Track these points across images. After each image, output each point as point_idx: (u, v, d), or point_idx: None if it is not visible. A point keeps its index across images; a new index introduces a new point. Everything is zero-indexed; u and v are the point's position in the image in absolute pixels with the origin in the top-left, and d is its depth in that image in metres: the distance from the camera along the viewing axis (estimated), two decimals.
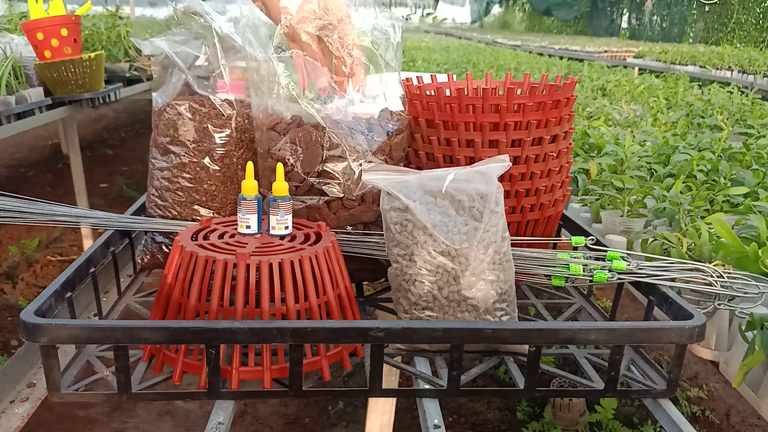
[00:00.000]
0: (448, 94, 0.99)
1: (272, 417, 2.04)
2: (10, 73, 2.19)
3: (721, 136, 1.80)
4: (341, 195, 0.91)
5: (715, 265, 0.85)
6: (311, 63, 0.92)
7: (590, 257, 0.89)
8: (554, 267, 0.87)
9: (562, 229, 1.14)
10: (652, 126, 2.22)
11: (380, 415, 1.39)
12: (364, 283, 1.02)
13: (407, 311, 0.79)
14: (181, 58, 0.99)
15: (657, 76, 4.53)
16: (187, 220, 0.98)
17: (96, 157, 4.93)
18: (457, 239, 0.77)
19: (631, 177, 1.41)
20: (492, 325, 0.75)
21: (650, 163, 1.62)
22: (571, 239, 0.96)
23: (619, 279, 0.85)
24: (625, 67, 6.15)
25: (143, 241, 1.02)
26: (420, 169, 0.92)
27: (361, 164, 0.90)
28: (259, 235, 0.82)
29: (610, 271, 0.85)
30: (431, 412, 0.73)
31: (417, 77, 1.04)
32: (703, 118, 2.39)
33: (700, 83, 4.53)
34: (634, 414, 2.06)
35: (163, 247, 0.99)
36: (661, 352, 2.29)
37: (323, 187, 0.91)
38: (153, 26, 4.36)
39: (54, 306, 0.75)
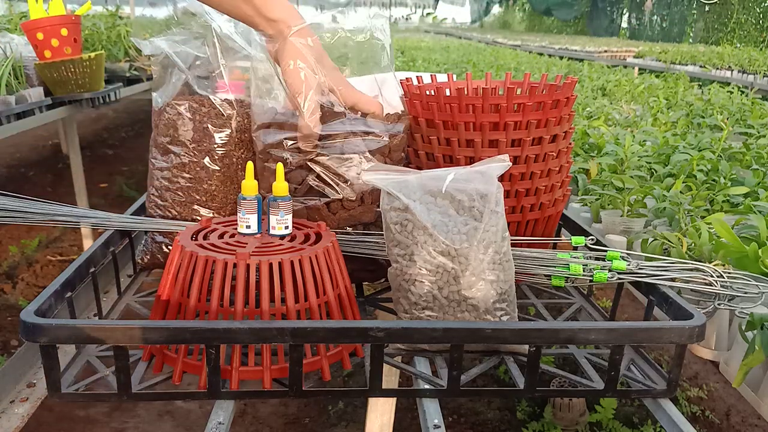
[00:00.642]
0: (448, 94, 0.99)
1: (272, 417, 2.04)
2: (10, 73, 2.19)
3: (721, 136, 1.80)
4: (341, 196, 0.91)
5: (715, 265, 0.85)
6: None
7: (590, 257, 0.89)
8: (554, 267, 0.87)
9: (562, 229, 1.14)
10: (652, 126, 2.22)
11: (380, 415, 1.39)
12: (364, 283, 1.02)
13: (407, 311, 0.79)
14: (181, 58, 0.99)
15: (657, 76, 4.53)
16: (187, 220, 0.98)
17: (96, 157, 4.93)
18: (457, 239, 0.77)
19: (631, 177, 1.41)
20: (492, 325, 0.75)
21: (650, 163, 1.62)
22: (571, 239, 0.96)
23: (619, 279, 0.85)
24: (625, 66, 6.15)
25: (143, 241, 1.02)
26: (420, 169, 0.92)
27: (360, 164, 0.90)
28: (259, 235, 0.82)
29: (610, 271, 0.85)
30: (431, 412, 0.73)
31: (417, 77, 1.04)
32: (703, 118, 2.39)
33: (700, 83, 4.53)
34: (634, 414, 2.06)
35: (163, 247, 0.99)
36: (661, 352, 2.29)
37: (323, 188, 0.91)
38: (153, 26, 4.36)
39: (54, 306, 0.75)
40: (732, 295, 0.83)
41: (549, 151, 0.96)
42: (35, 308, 0.69)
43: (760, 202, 1.26)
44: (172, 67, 1.00)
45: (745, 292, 0.82)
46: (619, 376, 0.74)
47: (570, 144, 1.02)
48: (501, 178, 0.82)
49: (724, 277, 0.83)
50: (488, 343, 0.79)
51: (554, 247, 1.06)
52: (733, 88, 3.24)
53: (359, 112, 0.92)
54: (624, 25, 15.63)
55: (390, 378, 1.28)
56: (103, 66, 2.57)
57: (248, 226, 0.81)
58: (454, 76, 1.08)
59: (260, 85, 0.95)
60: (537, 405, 2.07)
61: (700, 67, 6.42)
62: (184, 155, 0.97)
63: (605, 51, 8.40)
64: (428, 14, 28.29)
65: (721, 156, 1.68)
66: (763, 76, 5.36)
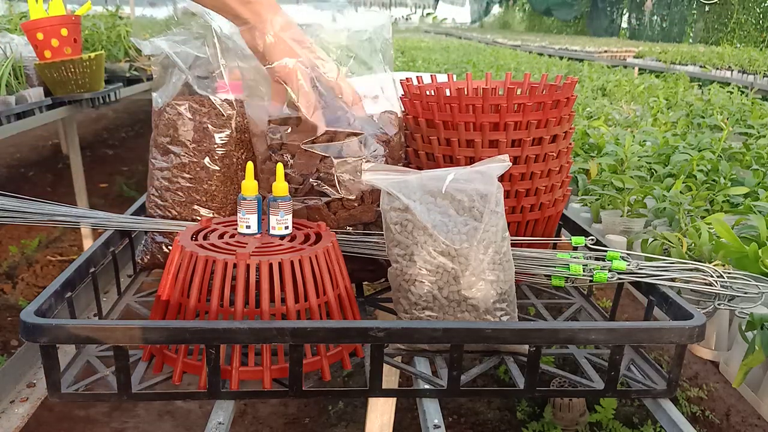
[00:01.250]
0: (448, 94, 0.99)
1: (272, 417, 2.04)
2: (10, 73, 2.19)
3: (721, 136, 1.80)
4: (341, 196, 0.91)
5: (715, 265, 0.85)
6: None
7: (590, 257, 0.89)
8: (554, 267, 0.87)
9: (562, 229, 1.14)
10: (652, 126, 2.22)
11: (380, 415, 1.39)
12: (364, 283, 1.02)
13: (407, 311, 0.79)
14: (181, 59, 0.99)
15: (657, 76, 4.53)
16: (187, 220, 0.98)
17: (96, 157, 4.93)
18: (457, 239, 0.77)
19: (631, 177, 1.41)
20: (492, 325, 0.75)
21: (650, 163, 1.61)
22: (571, 239, 0.96)
23: (619, 279, 0.85)
24: (625, 67, 6.15)
25: (143, 241, 1.02)
26: (420, 169, 0.92)
27: (360, 164, 0.90)
28: (259, 235, 0.82)
29: (610, 271, 0.85)
30: (431, 412, 0.73)
31: (417, 77, 1.04)
32: (703, 118, 2.38)
33: (700, 83, 4.53)
34: (634, 414, 2.06)
35: (163, 247, 0.99)
36: (661, 352, 2.29)
37: (323, 188, 0.91)
38: (153, 26, 4.36)
39: (54, 306, 0.75)
40: (732, 295, 0.83)
41: (549, 151, 0.96)
42: (35, 308, 0.69)
43: (760, 202, 1.26)
44: (172, 67, 1.00)
45: (745, 292, 0.82)
46: (619, 376, 0.74)
47: (570, 144, 1.02)
48: (501, 179, 0.82)
49: (724, 277, 0.83)
50: (488, 343, 0.79)
51: (554, 247, 1.06)
52: (733, 88, 3.24)
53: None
54: (624, 25, 15.63)
55: (390, 378, 1.28)
56: (103, 66, 2.56)
57: (248, 227, 0.81)
58: (454, 77, 1.08)
59: (258, 86, 0.95)
60: (537, 405, 2.07)
61: (700, 67, 6.42)
62: (184, 155, 0.97)
63: (605, 51, 8.40)
64: (428, 14, 28.30)
65: (721, 156, 1.68)
66: (763, 77, 5.36)
